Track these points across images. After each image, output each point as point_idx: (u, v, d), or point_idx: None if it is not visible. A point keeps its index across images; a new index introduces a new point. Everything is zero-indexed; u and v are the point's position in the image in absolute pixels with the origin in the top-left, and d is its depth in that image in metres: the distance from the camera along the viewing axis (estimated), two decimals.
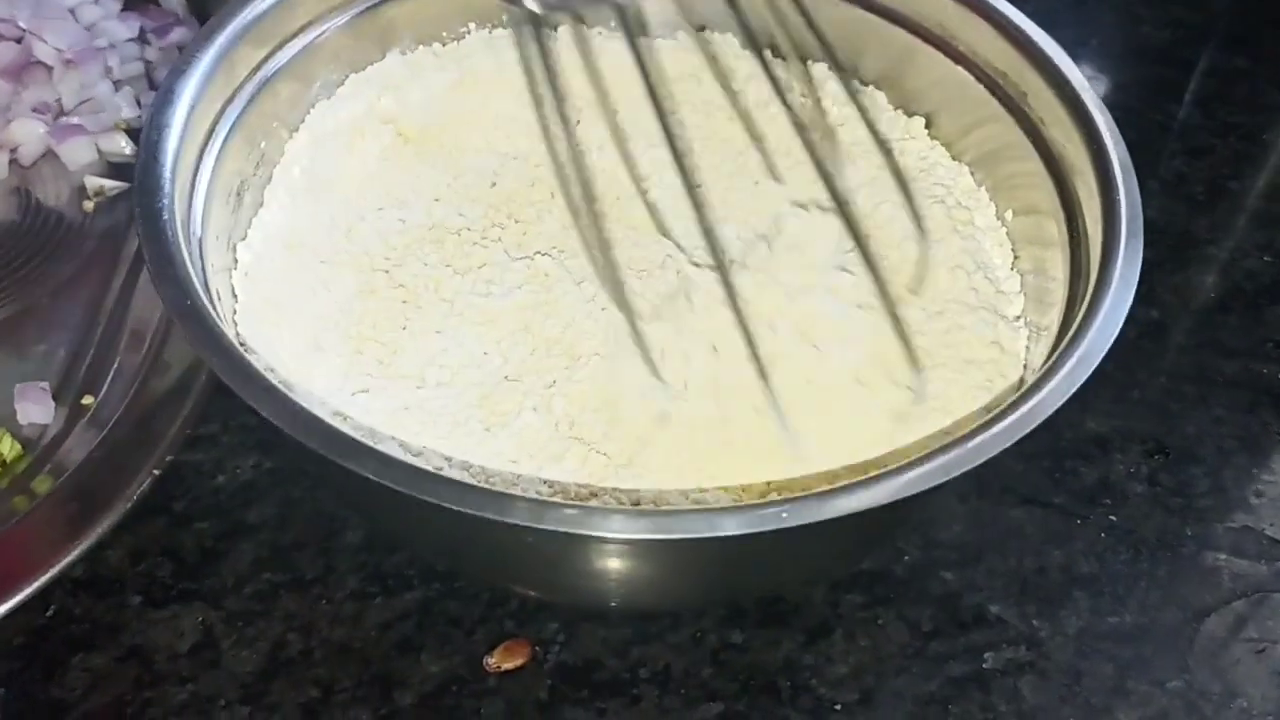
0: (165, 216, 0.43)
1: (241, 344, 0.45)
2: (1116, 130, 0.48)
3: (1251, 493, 0.56)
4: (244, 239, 0.51)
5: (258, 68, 0.52)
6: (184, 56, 0.49)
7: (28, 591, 0.47)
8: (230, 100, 0.50)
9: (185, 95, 0.47)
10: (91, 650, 0.48)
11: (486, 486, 0.40)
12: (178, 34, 0.72)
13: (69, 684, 0.47)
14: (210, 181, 0.48)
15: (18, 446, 0.53)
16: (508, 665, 0.48)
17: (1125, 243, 0.44)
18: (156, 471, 0.50)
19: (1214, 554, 0.54)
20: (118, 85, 0.70)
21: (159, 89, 0.48)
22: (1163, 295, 0.64)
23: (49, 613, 0.49)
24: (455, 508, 0.36)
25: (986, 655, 0.50)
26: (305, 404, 0.39)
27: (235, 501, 0.53)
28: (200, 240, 0.46)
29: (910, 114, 0.58)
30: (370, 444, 0.38)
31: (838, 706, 0.48)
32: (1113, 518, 0.54)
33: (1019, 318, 0.51)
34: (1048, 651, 0.50)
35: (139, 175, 0.45)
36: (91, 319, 0.59)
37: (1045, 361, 0.42)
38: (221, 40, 0.49)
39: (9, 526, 0.49)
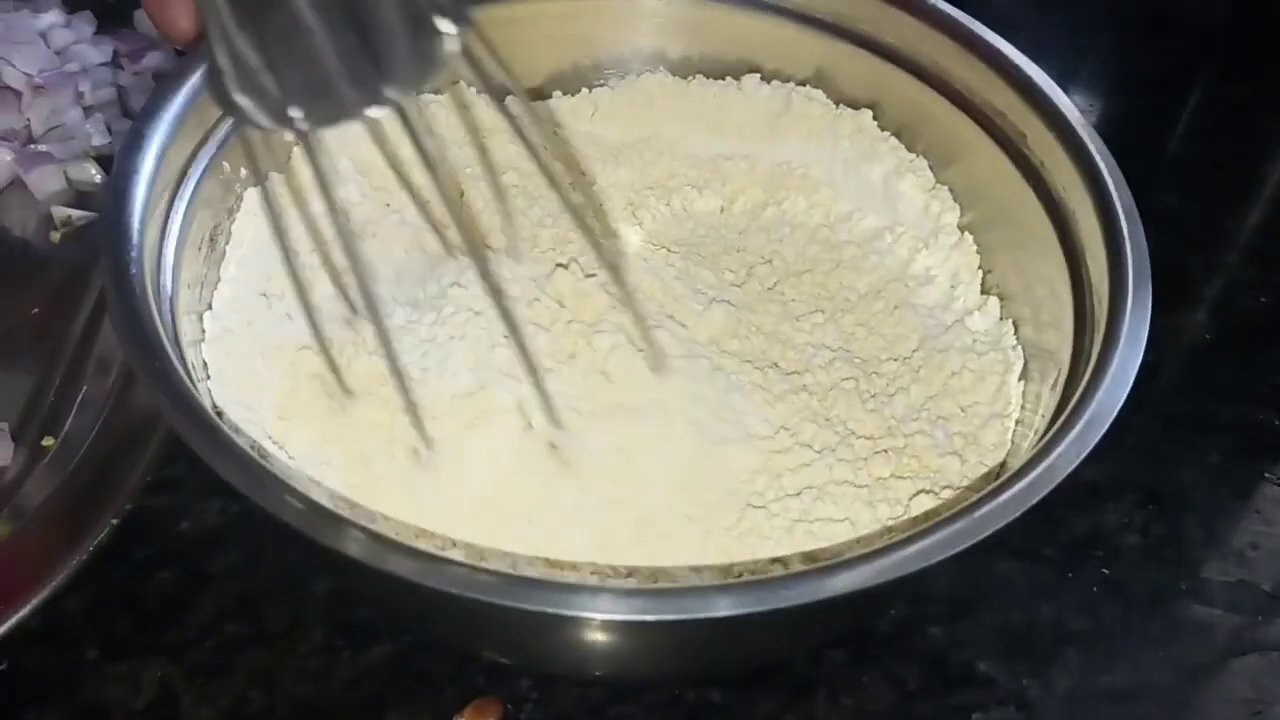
0: (134, 270, 0.41)
1: (216, 409, 0.43)
2: (1119, 173, 0.47)
3: (1247, 545, 0.54)
4: (215, 290, 0.49)
5: None
6: (154, 98, 0.47)
7: None
8: (203, 143, 0.48)
9: (155, 139, 0.45)
10: (45, 707, 0.46)
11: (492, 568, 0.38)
12: (152, 58, 0.71)
13: None
14: (181, 229, 0.46)
15: None
16: None
17: (1133, 297, 0.43)
18: (114, 521, 0.49)
19: (1208, 609, 0.52)
20: (89, 111, 0.68)
21: (128, 132, 0.46)
22: (1156, 335, 0.62)
23: (2, 666, 0.47)
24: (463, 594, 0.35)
25: (974, 715, 0.48)
26: (280, 473, 0.37)
27: (199, 549, 0.51)
28: (171, 294, 0.44)
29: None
30: (353, 520, 0.36)
31: None
32: (1105, 570, 0.53)
33: (1020, 379, 0.49)
34: (1037, 713, 0.48)
35: (106, 227, 0.43)
36: (54, 356, 0.57)
37: (1051, 424, 0.41)
38: (194, 81, 0.47)
39: None
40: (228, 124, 0.49)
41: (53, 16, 0.71)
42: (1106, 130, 0.56)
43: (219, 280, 0.50)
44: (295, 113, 0.35)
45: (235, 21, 0.35)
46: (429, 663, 0.48)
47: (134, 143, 0.45)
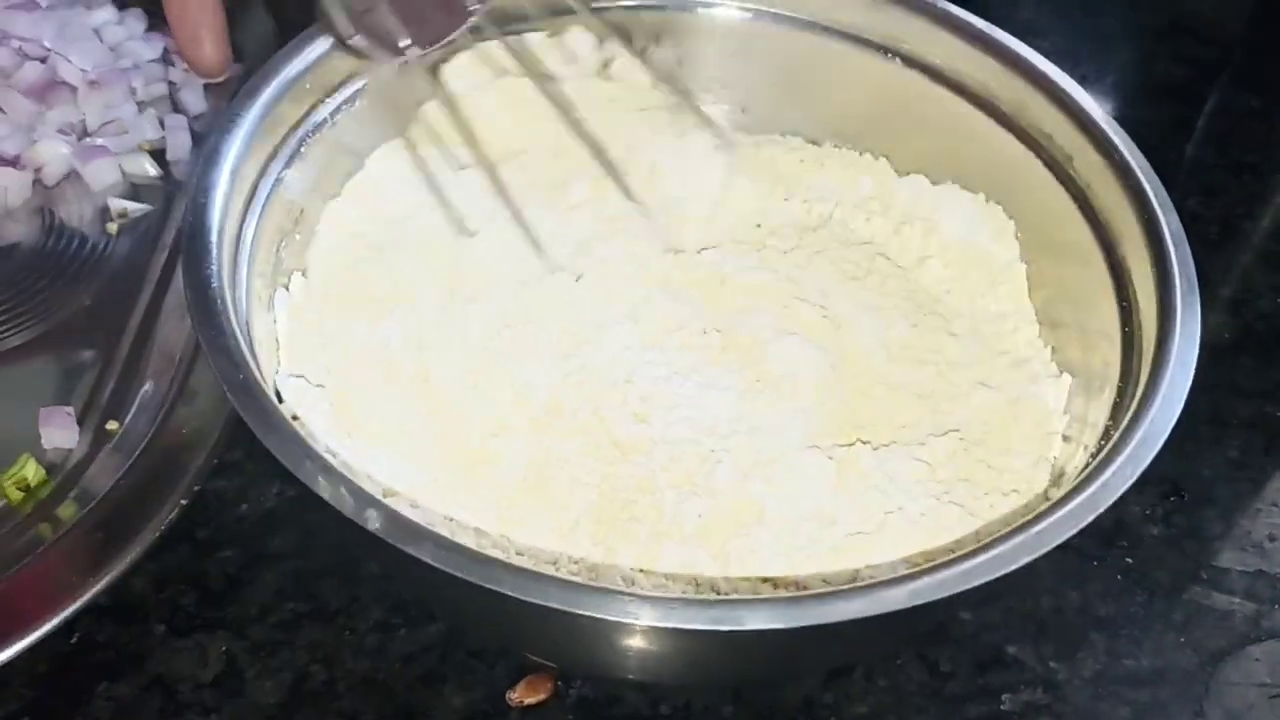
0: (214, 284, 0.43)
1: (294, 417, 0.45)
2: (1166, 196, 0.49)
3: (1265, 536, 0.56)
4: (285, 296, 0.51)
5: (299, 123, 0.52)
6: (228, 113, 0.49)
7: (54, 622, 0.48)
8: (272, 157, 0.51)
9: (230, 154, 0.48)
10: (116, 679, 0.48)
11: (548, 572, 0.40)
12: None
13: (93, 713, 0.47)
14: (254, 240, 0.48)
15: (42, 471, 0.53)
16: (530, 700, 0.49)
17: (1181, 320, 0.45)
18: (184, 501, 0.51)
19: (1228, 597, 0.54)
20: (141, 107, 0.70)
21: (204, 148, 0.48)
22: None
23: (73, 640, 0.49)
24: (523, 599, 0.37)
25: (1004, 697, 0.50)
26: (357, 480, 0.39)
27: (259, 530, 0.53)
28: (245, 301, 0.46)
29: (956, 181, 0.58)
30: (425, 526, 0.38)
31: None
32: (1129, 560, 0.55)
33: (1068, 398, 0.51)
34: (1065, 694, 0.50)
35: (186, 240, 0.45)
36: (114, 343, 0.59)
37: (1101, 444, 0.43)
38: (265, 96, 0.49)
39: (35, 554, 0.50)
40: (296, 138, 0.52)
41: (106, 13, 0.73)
42: (1128, 134, 0.58)
43: (288, 289, 0.52)
44: (404, 41, 0.42)
45: None
46: (482, 640, 0.50)
47: (211, 159, 0.47)
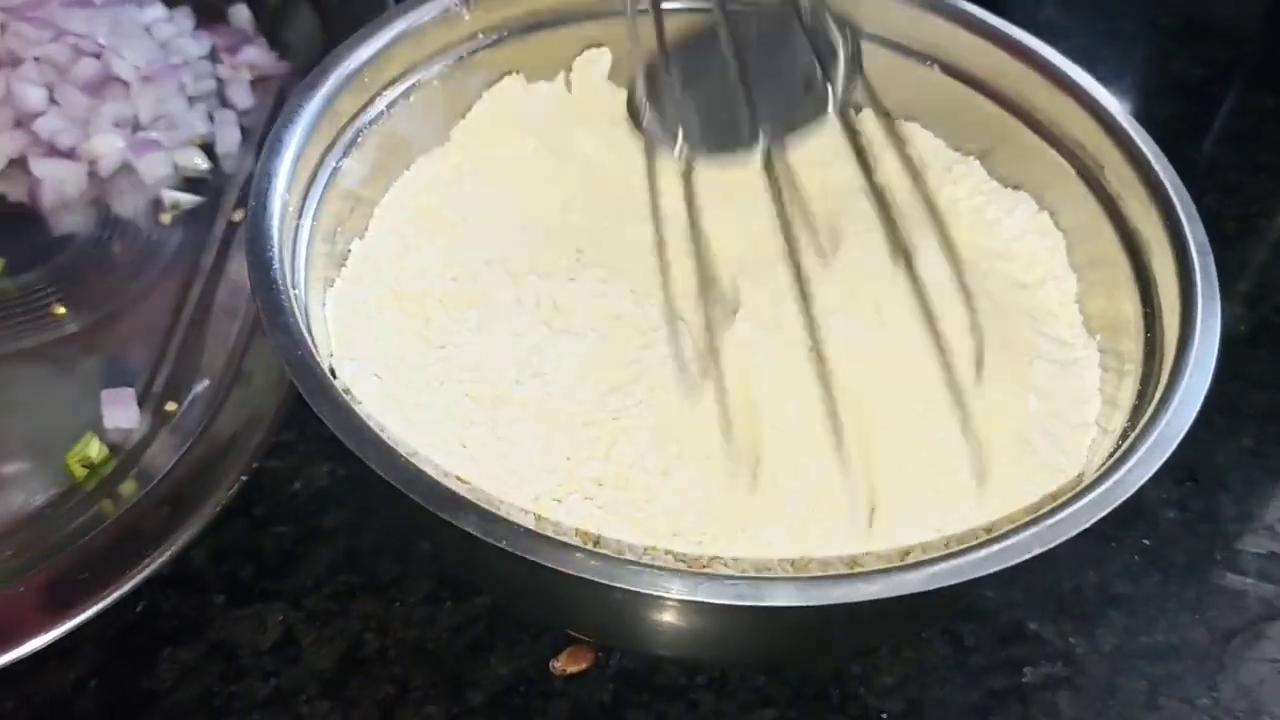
0: (276, 265, 0.46)
1: (346, 391, 0.47)
2: (1193, 207, 0.51)
3: (1277, 520, 0.58)
4: (339, 281, 0.54)
5: (356, 115, 0.55)
6: (291, 104, 0.52)
7: (121, 591, 0.50)
8: (331, 147, 0.53)
9: (291, 144, 0.50)
10: (179, 645, 0.51)
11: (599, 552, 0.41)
12: (248, 53, 0.75)
13: (159, 676, 0.50)
14: (312, 227, 0.51)
15: (105, 450, 0.56)
16: (573, 669, 0.51)
17: (1201, 328, 0.47)
18: (244, 478, 0.53)
19: (1240, 578, 0.56)
20: (191, 102, 0.72)
21: (268, 138, 0.50)
22: None
23: (139, 609, 0.52)
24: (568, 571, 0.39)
25: (1025, 670, 0.52)
26: (409, 456, 0.41)
27: (312, 507, 0.56)
28: (304, 285, 0.49)
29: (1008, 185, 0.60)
30: (475, 500, 0.40)
31: (884, 715, 0.51)
32: (1146, 541, 0.57)
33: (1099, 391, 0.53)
34: (1083, 667, 0.53)
35: (250, 224, 0.47)
36: (170, 329, 0.62)
37: (1120, 442, 0.45)
38: (325, 89, 0.52)
39: (101, 528, 0.52)
40: (353, 130, 0.55)
41: (156, 11, 0.75)
42: (1149, 133, 0.59)
43: (340, 274, 0.54)
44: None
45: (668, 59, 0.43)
46: (524, 614, 0.53)
47: (274, 148, 0.50)
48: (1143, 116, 0.79)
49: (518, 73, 0.61)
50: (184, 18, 0.76)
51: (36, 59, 0.70)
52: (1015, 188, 0.59)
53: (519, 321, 0.53)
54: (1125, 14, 0.89)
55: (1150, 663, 0.53)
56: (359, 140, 0.54)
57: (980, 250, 0.58)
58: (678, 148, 0.44)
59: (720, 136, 0.44)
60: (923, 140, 0.62)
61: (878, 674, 0.52)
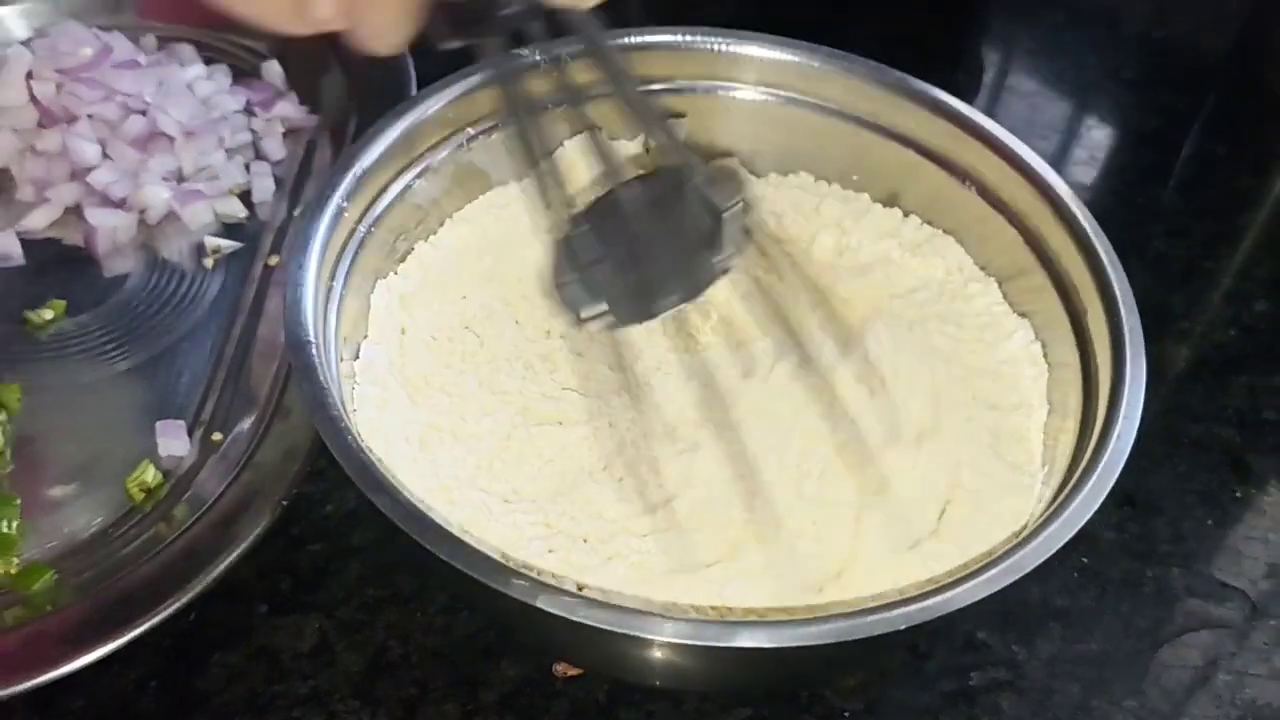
0: (317, 356, 0.53)
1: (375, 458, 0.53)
2: (1123, 273, 0.57)
3: (1207, 542, 0.65)
4: (391, 277, 0.63)
5: (438, 145, 0.64)
6: (370, 131, 0.61)
7: (176, 605, 0.56)
8: (406, 167, 0.62)
9: (357, 163, 0.60)
10: (228, 650, 0.58)
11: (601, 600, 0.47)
12: (280, 107, 0.81)
13: (210, 678, 0.57)
14: (372, 229, 0.60)
15: (159, 475, 0.63)
16: (572, 673, 0.58)
17: (1129, 387, 0.53)
18: (284, 502, 0.60)
19: (1171, 593, 0.63)
20: (229, 154, 0.79)
21: (297, 234, 0.57)
22: None
23: (192, 618, 0.58)
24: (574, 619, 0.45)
25: (972, 674, 0.59)
26: (439, 521, 0.49)
27: (342, 527, 0.63)
28: (336, 364, 0.56)
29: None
30: (498, 560, 0.47)
31: (846, 713, 0.57)
32: (1085, 560, 0.64)
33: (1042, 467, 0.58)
34: (1024, 672, 0.59)
35: (289, 314, 0.54)
36: (215, 365, 0.68)
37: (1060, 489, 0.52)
38: (408, 120, 0.62)
39: (158, 549, 0.58)
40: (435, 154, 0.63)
41: (196, 69, 0.82)
42: (1108, 183, 0.66)
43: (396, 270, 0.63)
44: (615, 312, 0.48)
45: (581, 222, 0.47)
46: (523, 640, 0.59)
47: (301, 240, 0.57)
48: (1102, 165, 0.86)
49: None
50: (222, 75, 0.83)
51: (90, 116, 0.77)
52: (1022, 315, 0.64)
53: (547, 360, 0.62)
54: (1088, 65, 0.95)
55: (1084, 667, 0.60)
56: (434, 165, 0.64)
57: (972, 369, 0.63)
58: (598, 314, 0.48)
59: (638, 301, 0.49)
60: (953, 254, 0.67)
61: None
